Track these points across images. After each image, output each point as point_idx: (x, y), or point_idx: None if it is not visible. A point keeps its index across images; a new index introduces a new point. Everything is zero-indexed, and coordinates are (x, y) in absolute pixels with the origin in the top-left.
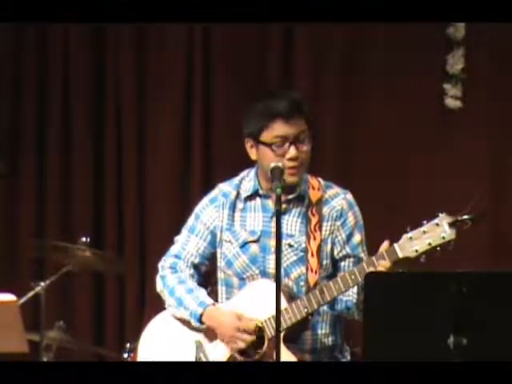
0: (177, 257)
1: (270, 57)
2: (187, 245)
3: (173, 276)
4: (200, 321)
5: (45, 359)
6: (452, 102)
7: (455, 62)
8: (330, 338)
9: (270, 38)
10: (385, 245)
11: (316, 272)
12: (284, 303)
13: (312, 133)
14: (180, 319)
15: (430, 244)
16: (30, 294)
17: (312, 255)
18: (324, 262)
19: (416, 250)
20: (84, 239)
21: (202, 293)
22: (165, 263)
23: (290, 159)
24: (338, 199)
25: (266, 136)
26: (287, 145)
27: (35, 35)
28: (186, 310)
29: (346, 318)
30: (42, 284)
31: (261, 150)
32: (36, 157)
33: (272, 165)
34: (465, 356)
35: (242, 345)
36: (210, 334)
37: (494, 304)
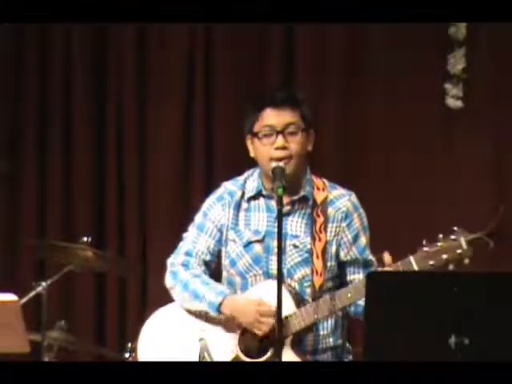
0: (188, 254)
1: (270, 57)
2: (197, 243)
3: (186, 272)
4: (219, 310)
5: (46, 359)
6: (453, 102)
7: (456, 62)
8: (332, 339)
9: (271, 37)
10: (387, 258)
11: (321, 274)
12: (293, 307)
13: (309, 129)
14: (194, 312)
15: (446, 260)
16: (32, 293)
17: (317, 257)
18: (329, 264)
19: (431, 265)
20: (85, 239)
21: (219, 284)
22: (175, 260)
23: (277, 148)
24: (343, 200)
25: (256, 127)
26: (275, 134)
27: (35, 35)
28: (203, 302)
29: (351, 318)
30: (44, 284)
31: (255, 144)
32: (36, 157)
33: (273, 165)
34: (466, 356)
35: (265, 328)
36: (214, 333)
37: (495, 304)
